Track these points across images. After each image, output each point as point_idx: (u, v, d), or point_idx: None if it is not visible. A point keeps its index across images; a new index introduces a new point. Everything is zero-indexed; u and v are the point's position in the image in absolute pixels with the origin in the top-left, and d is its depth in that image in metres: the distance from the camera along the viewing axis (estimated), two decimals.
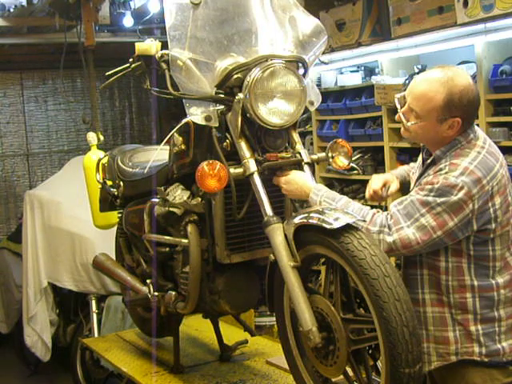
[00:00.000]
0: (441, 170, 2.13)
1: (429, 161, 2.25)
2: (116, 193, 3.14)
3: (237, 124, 2.20)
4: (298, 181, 2.22)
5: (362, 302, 2.03)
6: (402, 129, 2.29)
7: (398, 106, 2.27)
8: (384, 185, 2.47)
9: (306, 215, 2.01)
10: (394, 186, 2.47)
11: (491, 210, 2.13)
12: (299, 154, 2.26)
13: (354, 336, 1.98)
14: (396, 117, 2.29)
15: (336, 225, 1.90)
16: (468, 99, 2.14)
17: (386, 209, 4.20)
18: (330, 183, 4.82)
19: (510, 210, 2.20)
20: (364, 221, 2.08)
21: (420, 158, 2.40)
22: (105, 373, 4.71)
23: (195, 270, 2.42)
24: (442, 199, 2.06)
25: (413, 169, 2.48)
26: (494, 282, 2.19)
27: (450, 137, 2.18)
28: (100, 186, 3.33)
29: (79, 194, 4.42)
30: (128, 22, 5.87)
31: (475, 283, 2.17)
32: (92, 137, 4.35)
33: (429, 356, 2.20)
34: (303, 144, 2.41)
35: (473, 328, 2.17)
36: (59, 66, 5.59)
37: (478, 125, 3.45)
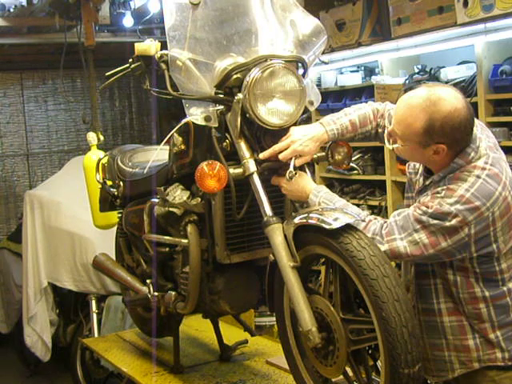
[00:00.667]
0: (438, 193, 2.04)
1: (427, 182, 2.17)
2: (116, 193, 3.14)
3: (236, 124, 2.19)
4: (300, 181, 2.21)
5: (362, 302, 2.03)
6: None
7: (388, 123, 2.21)
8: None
9: (306, 215, 2.01)
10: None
11: (491, 233, 2.03)
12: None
13: (354, 336, 1.97)
14: (385, 134, 2.22)
15: (335, 225, 1.90)
16: (452, 126, 1.99)
17: (385, 209, 4.21)
18: (330, 183, 4.82)
19: None
20: (363, 221, 2.08)
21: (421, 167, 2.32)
22: (105, 373, 4.71)
23: (195, 270, 2.42)
24: (436, 222, 1.99)
25: (411, 168, 2.42)
26: (505, 289, 2.13)
27: (441, 161, 2.08)
28: (100, 186, 3.33)
29: (79, 194, 4.42)
30: (128, 22, 5.87)
31: (486, 294, 2.11)
32: (92, 137, 4.35)
33: (451, 364, 2.16)
34: None
35: (492, 335, 2.13)
36: (59, 66, 5.59)
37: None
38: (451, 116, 1.99)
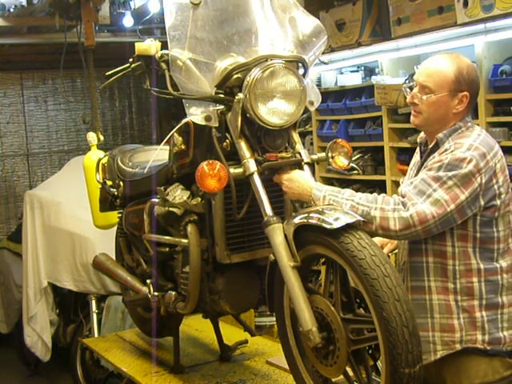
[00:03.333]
0: (446, 150, 2.18)
1: (430, 146, 2.29)
2: (116, 193, 3.14)
3: (237, 124, 2.19)
4: (300, 179, 2.22)
5: (362, 302, 2.03)
6: (413, 114, 2.33)
7: (407, 94, 2.35)
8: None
9: (306, 215, 2.02)
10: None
11: (495, 186, 2.18)
12: (299, 153, 2.26)
13: (354, 336, 1.98)
14: (407, 100, 2.35)
15: (336, 225, 1.90)
16: (474, 75, 2.27)
17: None
18: (329, 183, 4.82)
19: (510, 191, 2.26)
20: (364, 221, 2.08)
21: (417, 156, 2.43)
22: (105, 373, 4.71)
23: (195, 270, 2.42)
24: (453, 172, 2.11)
25: (411, 170, 2.48)
26: (498, 266, 2.22)
27: (459, 114, 2.26)
28: (100, 186, 3.32)
29: (79, 194, 4.42)
30: (128, 21, 5.87)
31: (481, 266, 2.20)
32: (92, 137, 4.35)
33: (434, 345, 2.22)
34: (303, 144, 2.41)
35: (478, 314, 2.20)
36: (59, 66, 5.60)
37: (477, 125, 3.48)
38: (472, 67, 2.29)
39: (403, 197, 2.14)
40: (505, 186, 2.22)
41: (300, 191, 2.21)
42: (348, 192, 2.17)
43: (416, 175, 2.32)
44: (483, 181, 2.14)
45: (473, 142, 2.17)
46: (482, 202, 2.16)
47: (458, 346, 2.21)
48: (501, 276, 2.23)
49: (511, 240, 2.28)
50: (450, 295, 2.21)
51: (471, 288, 2.20)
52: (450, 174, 2.11)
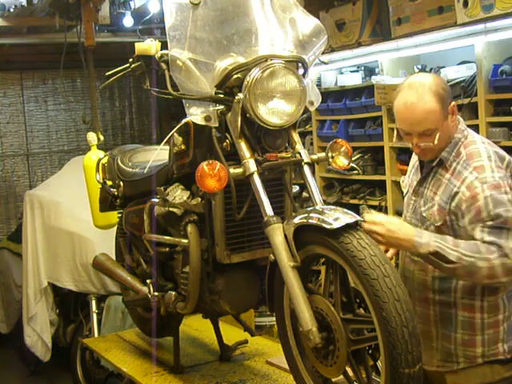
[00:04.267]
0: (467, 177, 2.16)
1: (434, 163, 2.27)
2: (116, 193, 3.14)
3: (236, 124, 2.19)
4: (401, 229, 2.10)
5: (362, 302, 2.03)
6: (421, 153, 2.29)
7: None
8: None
9: (306, 215, 2.01)
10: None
11: None
12: (299, 153, 2.26)
13: (354, 336, 1.98)
14: (414, 149, 2.30)
15: (336, 225, 1.90)
16: (443, 83, 2.27)
17: (385, 209, 4.20)
18: (329, 183, 4.83)
19: None
20: (364, 221, 2.07)
21: (415, 162, 2.43)
22: (105, 373, 4.71)
23: (195, 270, 2.42)
24: (504, 200, 2.10)
25: (410, 172, 2.49)
26: None
27: (453, 126, 2.26)
28: (100, 186, 3.32)
29: (79, 194, 4.42)
30: (128, 21, 5.88)
31: (504, 280, 2.16)
32: (92, 137, 4.35)
33: (457, 357, 2.24)
34: (303, 144, 2.40)
35: (501, 328, 2.23)
36: (59, 66, 5.59)
37: (477, 125, 3.49)
38: (438, 80, 2.26)
39: (496, 244, 2.08)
40: None
41: (399, 242, 2.10)
42: (450, 238, 2.12)
43: (417, 184, 2.32)
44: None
45: (490, 163, 2.17)
46: None
47: (480, 360, 2.23)
48: None
49: None
50: (477, 313, 2.22)
51: (498, 305, 2.22)
52: (502, 210, 2.09)
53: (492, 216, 2.09)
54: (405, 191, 2.49)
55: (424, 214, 2.27)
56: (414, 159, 2.45)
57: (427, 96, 2.18)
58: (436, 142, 2.22)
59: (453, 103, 2.24)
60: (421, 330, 2.12)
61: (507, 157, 2.24)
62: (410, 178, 2.45)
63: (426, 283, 2.29)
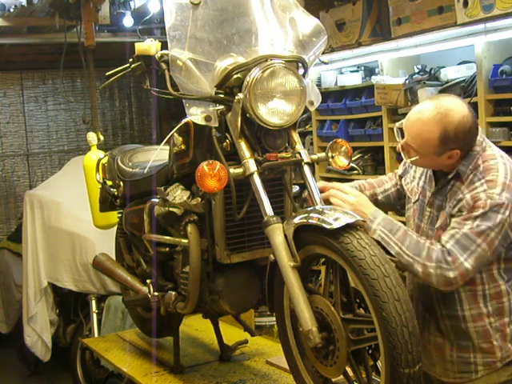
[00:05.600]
0: (476, 188, 2.15)
1: (450, 176, 2.25)
2: (116, 193, 3.14)
3: (237, 124, 2.19)
4: (359, 207, 2.22)
5: (362, 302, 2.03)
6: (406, 156, 2.31)
7: (398, 138, 2.31)
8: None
9: (306, 215, 2.01)
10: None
11: None
12: (299, 153, 2.26)
13: (354, 336, 1.97)
14: (397, 148, 2.33)
15: (336, 225, 1.90)
16: (464, 132, 2.16)
17: None
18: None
19: None
20: (364, 221, 2.07)
21: (426, 170, 2.41)
22: (105, 373, 4.71)
23: (195, 270, 2.42)
24: (495, 222, 2.09)
25: (408, 179, 2.48)
26: None
27: (454, 163, 2.22)
28: (100, 186, 3.32)
29: (79, 194, 4.42)
30: (128, 21, 5.88)
31: (509, 287, 2.22)
32: (92, 137, 4.35)
33: (475, 366, 2.24)
34: (303, 144, 2.40)
35: (508, 330, 2.23)
36: (59, 66, 5.59)
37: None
38: (462, 123, 2.16)
39: (447, 251, 2.10)
40: None
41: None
42: (401, 231, 2.15)
43: (432, 195, 2.30)
44: (511, 220, 2.12)
45: (505, 180, 2.13)
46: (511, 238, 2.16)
47: (499, 365, 2.24)
48: None
49: None
50: (486, 319, 2.23)
51: (502, 308, 2.23)
52: (490, 224, 2.09)
53: (474, 230, 2.09)
54: (412, 198, 2.43)
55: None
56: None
57: (436, 127, 2.15)
58: (409, 160, 2.26)
59: (455, 151, 2.17)
60: (433, 342, 2.20)
61: None
62: (418, 185, 2.41)
63: (431, 301, 2.31)
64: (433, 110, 2.17)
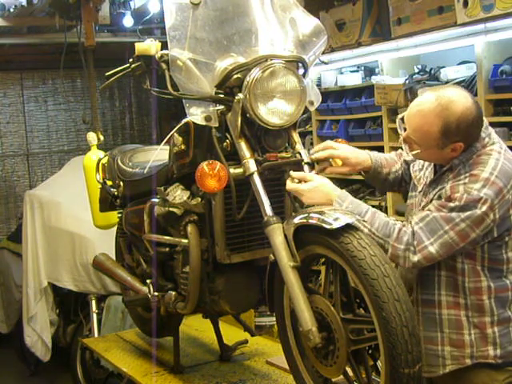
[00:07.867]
0: (459, 180, 2.09)
1: (445, 168, 2.21)
2: (116, 193, 3.15)
3: (237, 124, 2.19)
4: (323, 189, 2.16)
5: (362, 302, 2.03)
6: (408, 149, 2.25)
7: (400, 130, 2.25)
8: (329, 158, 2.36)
9: (306, 215, 2.01)
10: (341, 169, 2.39)
11: (511, 215, 2.12)
12: (299, 153, 2.26)
13: (354, 336, 1.98)
14: (399, 141, 2.28)
15: (336, 225, 1.90)
16: (467, 124, 2.09)
17: (385, 209, 4.20)
18: None
19: None
20: (364, 221, 2.08)
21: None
22: (105, 373, 4.71)
23: (195, 270, 2.42)
24: (466, 214, 2.03)
25: (416, 166, 2.43)
26: (508, 282, 2.19)
27: (457, 156, 2.16)
28: (100, 186, 3.33)
29: (79, 194, 4.41)
30: (128, 22, 5.88)
31: (491, 284, 2.16)
32: (92, 137, 4.34)
33: (443, 359, 2.19)
34: (303, 144, 2.41)
35: (489, 330, 2.16)
36: (59, 66, 5.60)
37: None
38: (464, 115, 2.08)
39: (413, 233, 2.07)
40: None
41: (322, 203, 2.13)
42: (369, 214, 2.12)
43: (428, 185, 2.26)
44: (497, 216, 2.06)
45: (489, 176, 2.05)
46: (496, 234, 2.12)
47: (469, 362, 2.17)
48: (510, 292, 2.19)
49: None
50: (462, 310, 2.17)
51: (481, 305, 2.16)
52: (462, 215, 2.03)
53: (444, 216, 2.05)
54: (418, 187, 2.36)
55: None
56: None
57: (436, 120, 2.08)
58: (409, 153, 2.21)
59: (458, 144, 2.11)
60: None
61: None
62: (425, 175, 2.34)
63: (411, 284, 2.26)
64: (434, 102, 2.09)
